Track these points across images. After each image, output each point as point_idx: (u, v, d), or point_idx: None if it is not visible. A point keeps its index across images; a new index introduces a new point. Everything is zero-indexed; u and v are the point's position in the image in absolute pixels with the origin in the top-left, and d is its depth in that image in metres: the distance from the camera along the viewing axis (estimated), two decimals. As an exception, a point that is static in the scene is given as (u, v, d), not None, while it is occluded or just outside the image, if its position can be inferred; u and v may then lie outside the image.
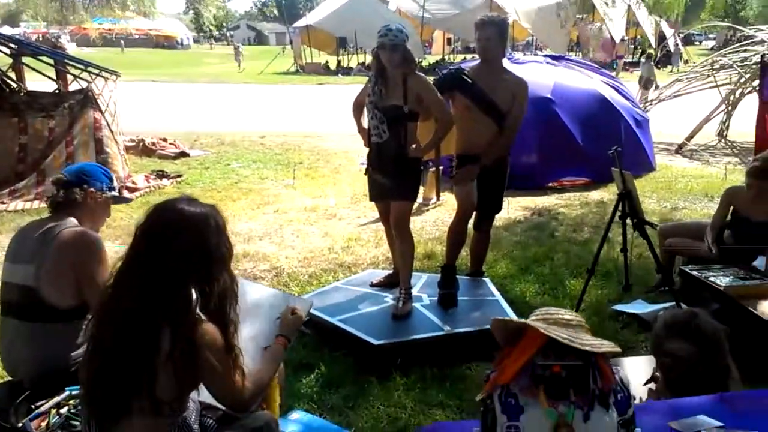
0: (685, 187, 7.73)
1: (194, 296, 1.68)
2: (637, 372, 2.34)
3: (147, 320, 1.63)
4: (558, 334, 1.39)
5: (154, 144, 10.05)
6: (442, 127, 3.67)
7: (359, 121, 4.00)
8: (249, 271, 4.85)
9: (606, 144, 7.93)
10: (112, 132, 7.75)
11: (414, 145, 3.63)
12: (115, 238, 5.71)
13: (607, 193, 7.35)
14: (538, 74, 7.80)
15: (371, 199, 4.01)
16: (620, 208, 3.91)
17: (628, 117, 8.22)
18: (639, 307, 3.97)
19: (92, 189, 2.51)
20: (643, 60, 19.74)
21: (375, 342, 3.28)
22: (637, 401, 2.10)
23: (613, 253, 4.93)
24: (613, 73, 19.96)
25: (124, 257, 1.74)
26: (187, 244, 1.69)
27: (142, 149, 9.82)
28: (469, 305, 3.78)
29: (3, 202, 6.81)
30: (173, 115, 14.70)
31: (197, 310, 1.68)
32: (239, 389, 1.75)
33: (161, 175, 8.25)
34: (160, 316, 1.64)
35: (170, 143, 10.30)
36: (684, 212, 6.58)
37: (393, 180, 3.64)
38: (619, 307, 4.00)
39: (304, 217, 6.44)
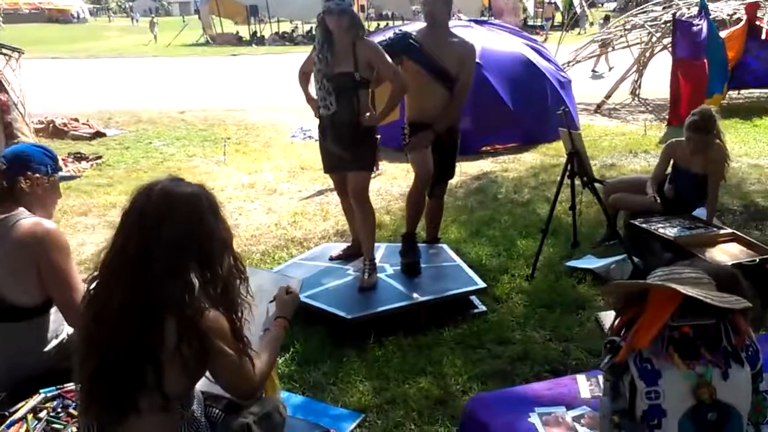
0: (609, 145, 8.06)
1: (195, 282, 1.57)
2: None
3: (148, 313, 1.52)
4: (695, 293, 1.36)
5: (65, 125, 9.40)
6: (396, 92, 3.61)
7: (307, 91, 3.87)
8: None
9: (534, 106, 8.27)
10: (21, 114, 7.17)
11: (368, 114, 3.56)
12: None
13: (539, 155, 7.57)
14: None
15: (326, 171, 3.92)
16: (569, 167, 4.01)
17: (552, 79, 8.43)
18: (591, 262, 4.12)
19: (37, 174, 2.29)
20: (601, 21, 20.76)
21: (347, 316, 3.24)
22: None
23: (555, 212, 5.08)
24: (542, 36, 20.46)
25: (111, 247, 1.60)
26: (182, 228, 1.57)
27: (52, 131, 9.17)
28: (432, 272, 3.79)
29: None
30: (80, 93, 13.78)
31: (201, 298, 1.57)
32: (250, 377, 1.67)
33: (79, 157, 7.74)
34: (162, 307, 1.52)
35: (83, 123, 9.67)
36: (612, 169, 6.86)
37: (349, 151, 3.56)
38: (572, 264, 4.14)
39: (243, 194, 6.24)
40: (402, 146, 4.09)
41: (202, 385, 1.75)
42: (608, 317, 2.49)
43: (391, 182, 6.54)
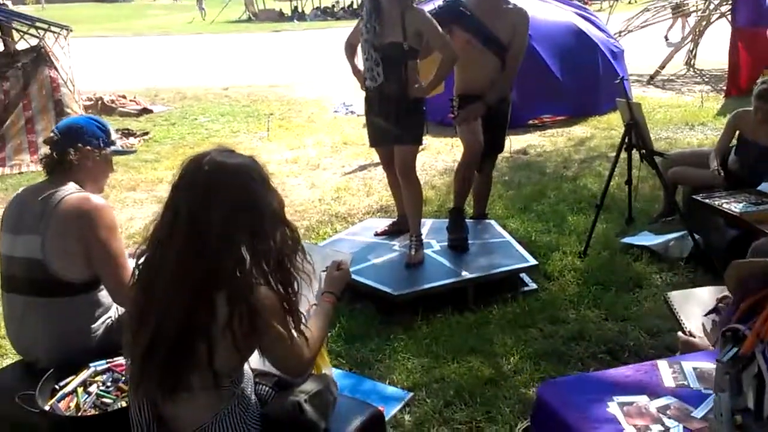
0: (664, 117, 7.73)
1: (247, 257, 1.51)
2: (697, 303, 2.27)
3: (198, 288, 1.46)
4: None
5: (113, 102, 9.54)
6: (446, 63, 3.48)
7: (353, 62, 3.77)
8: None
9: (584, 77, 7.96)
10: (70, 91, 7.28)
11: (416, 84, 3.44)
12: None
13: (589, 128, 7.31)
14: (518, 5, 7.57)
15: (372, 145, 3.83)
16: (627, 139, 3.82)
17: (604, 49, 8.10)
18: (647, 239, 3.94)
19: (88, 147, 2.27)
20: None
21: (394, 293, 3.17)
22: (700, 332, 2.04)
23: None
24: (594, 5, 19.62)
25: (161, 220, 1.55)
26: (234, 200, 1.51)
27: (101, 108, 9.30)
28: (480, 248, 3.68)
29: (-36, 171, 6.40)
30: (128, 71, 13.97)
31: (253, 272, 1.52)
32: (301, 355, 1.61)
33: (128, 133, 7.86)
34: (213, 281, 1.47)
35: (130, 100, 9.81)
36: (667, 142, 6.58)
37: (396, 123, 3.46)
38: (627, 240, 3.97)
39: (286, 170, 6.22)
40: (450, 119, 3.96)
41: (252, 361, 1.71)
42: (680, 298, 2.33)
43: (435, 157, 6.41)
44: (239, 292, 1.47)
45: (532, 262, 3.47)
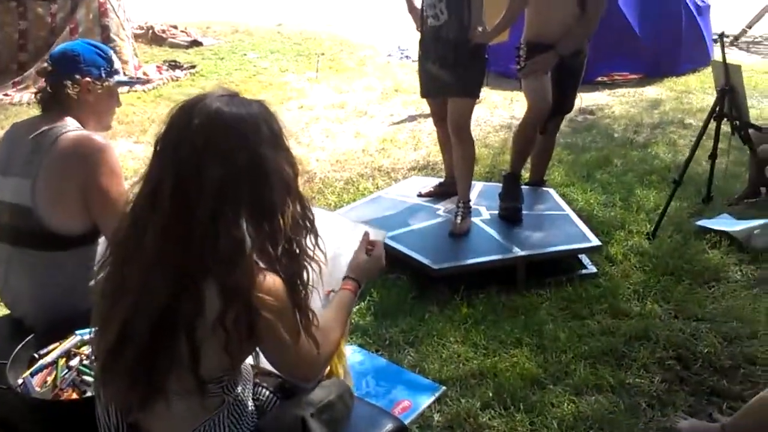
0: (749, 84, 6.95)
1: (247, 238, 1.18)
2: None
3: (184, 274, 1.15)
4: None
5: (164, 31, 9.26)
6: (515, 5, 3.01)
7: None
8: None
9: (665, 33, 7.21)
10: (118, 17, 7.02)
11: (480, 28, 2.99)
12: (128, 136, 5.21)
13: (665, 89, 6.66)
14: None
15: (423, 95, 3.42)
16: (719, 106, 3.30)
17: (689, 2, 7.32)
18: (728, 223, 3.45)
19: (87, 78, 1.94)
20: None
21: (433, 265, 2.82)
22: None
23: (682, 160, 4.37)
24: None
25: (142, 184, 1.22)
26: (232, 163, 1.17)
27: (151, 37, 9.06)
28: (535, 221, 3.28)
29: (7, 94, 6.25)
30: (181, 1, 13.64)
31: (254, 257, 1.19)
32: (311, 360, 1.29)
33: (174, 65, 7.60)
34: (202, 267, 1.15)
35: (181, 31, 9.51)
36: (754, 112, 5.89)
37: (453, 72, 3.04)
38: (704, 223, 3.49)
39: (332, 115, 5.86)
40: (514, 71, 3.50)
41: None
42: None
43: (492, 111, 5.92)
44: (236, 283, 1.15)
45: (595, 242, 3.05)
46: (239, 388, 1.29)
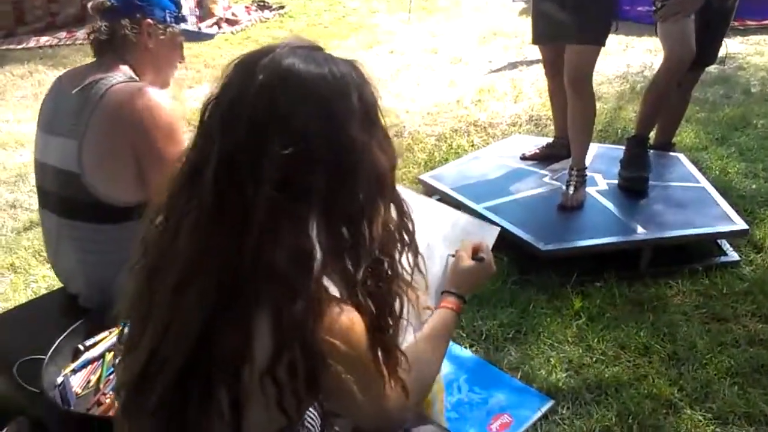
0: None
1: (317, 250, 0.84)
2: None
3: (226, 296, 0.82)
4: None
5: (252, -30, 8.99)
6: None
7: None
8: (363, 128, 4.00)
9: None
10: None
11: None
12: (213, 81, 4.98)
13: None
14: None
15: (536, 41, 2.92)
16: None
17: None
18: None
19: (149, 20, 1.64)
20: None
21: (541, 246, 2.40)
22: None
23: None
24: None
25: (180, 169, 0.89)
26: (307, 140, 0.81)
27: (239, -24, 8.82)
28: (663, 194, 2.76)
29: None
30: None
31: (323, 279, 0.84)
32: (395, 410, 0.95)
33: (263, 5, 7.36)
34: (252, 287, 0.81)
35: (270, -30, 9.20)
36: None
37: (574, 13, 2.54)
38: None
39: (424, 61, 5.39)
40: (649, 14, 2.92)
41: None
42: None
43: (606, 59, 5.25)
44: (294, 316, 0.81)
45: (741, 225, 2.52)
46: (300, 436, 0.98)
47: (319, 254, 0.83)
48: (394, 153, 0.89)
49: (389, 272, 0.87)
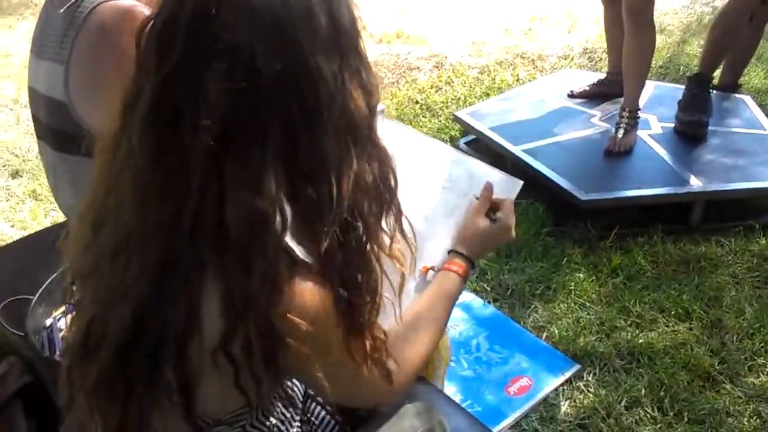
0: None
1: (277, 215, 0.68)
2: None
3: (169, 271, 0.69)
4: None
5: None
6: None
7: None
8: (403, 58, 3.76)
9: None
10: None
11: None
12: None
13: None
14: None
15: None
16: None
17: None
18: None
19: None
20: None
21: (581, 195, 2.20)
22: None
23: None
24: None
25: (122, 101, 0.74)
26: (259, 72, 0.65)
27: None
28: (724, 141, 2.50)
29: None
30: None
31: (283, 244, 0.70)
32: (377, 392, 0.83)
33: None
34: (196, 254, 0.68)
35: None
36: None
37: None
38: None
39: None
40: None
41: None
42: None
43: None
44: (247, 291, 0.67)
45: (810, 180, 2.26)
46: (273, 419, 0.86)
47: (278, 217, 0.68)
48: (375, 89, 0.72)
49: (363, 238, 0.72)
